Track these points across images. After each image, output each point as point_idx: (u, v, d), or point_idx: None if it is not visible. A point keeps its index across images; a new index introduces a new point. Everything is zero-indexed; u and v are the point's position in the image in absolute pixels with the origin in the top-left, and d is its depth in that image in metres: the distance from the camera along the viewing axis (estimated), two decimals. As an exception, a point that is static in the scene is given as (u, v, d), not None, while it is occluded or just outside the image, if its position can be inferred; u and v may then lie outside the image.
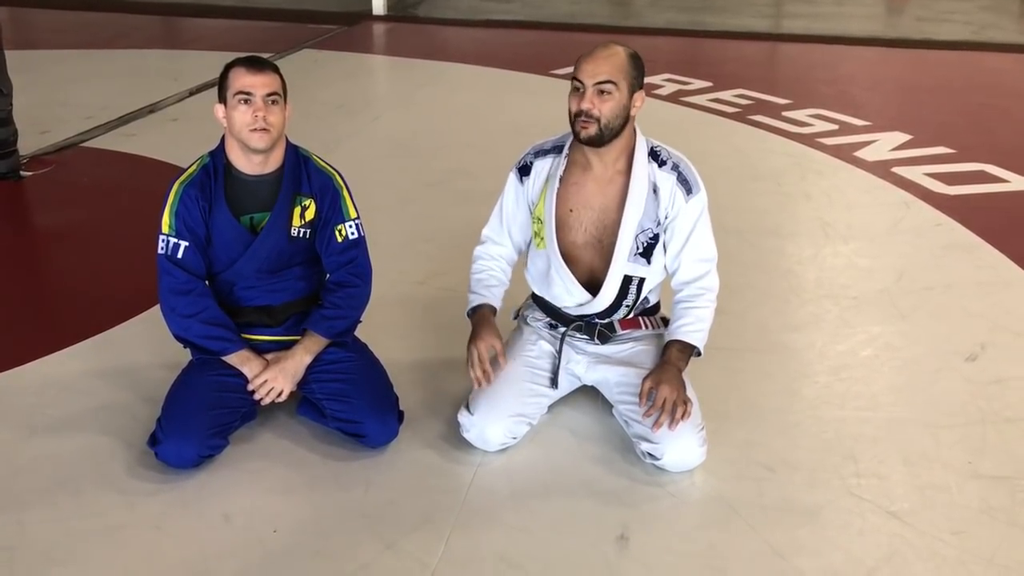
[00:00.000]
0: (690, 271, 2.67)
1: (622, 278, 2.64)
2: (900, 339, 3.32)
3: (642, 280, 2.67)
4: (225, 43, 7.64)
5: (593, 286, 2.67)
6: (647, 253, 2.63)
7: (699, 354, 2.68)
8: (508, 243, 2.81)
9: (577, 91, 2.50)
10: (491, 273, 2.80)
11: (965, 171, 4.98)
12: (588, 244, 2.66)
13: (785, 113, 6.04)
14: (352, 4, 9.54)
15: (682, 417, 2.50)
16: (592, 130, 2.49)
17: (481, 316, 2.72)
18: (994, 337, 3.30)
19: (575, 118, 2.51)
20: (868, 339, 3.31)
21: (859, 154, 5.25)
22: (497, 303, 2.78)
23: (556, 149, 2.69)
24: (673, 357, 2.62)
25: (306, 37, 8.23)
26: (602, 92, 2.47)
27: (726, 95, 6.47)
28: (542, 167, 2.69)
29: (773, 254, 4.02)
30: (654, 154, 2.62)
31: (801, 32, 8.82)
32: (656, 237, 2.63)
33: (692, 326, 2.64)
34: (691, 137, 5.43)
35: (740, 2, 10.42)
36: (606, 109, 2.48)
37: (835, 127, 5.75)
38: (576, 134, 2.54)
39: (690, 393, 2.59)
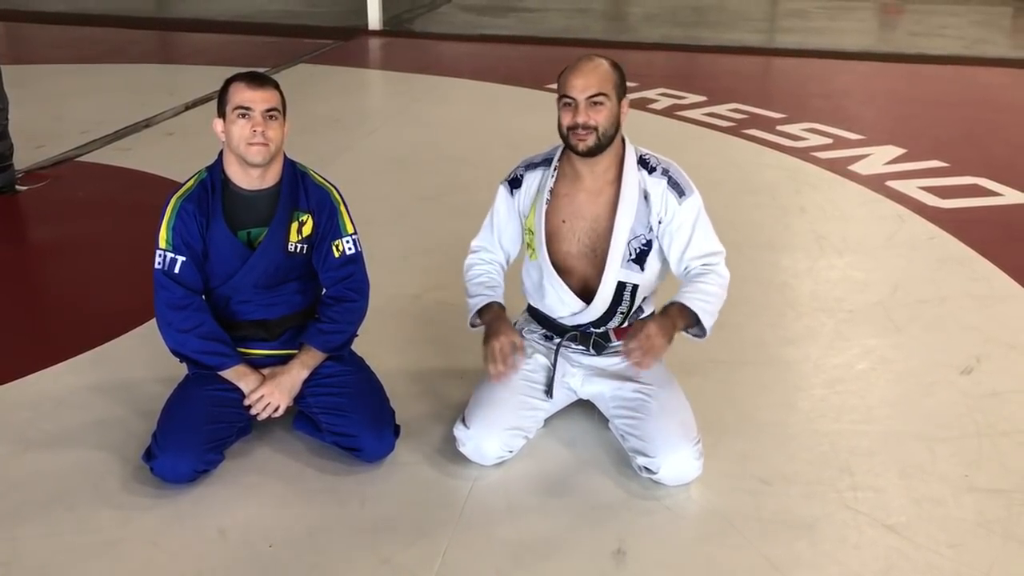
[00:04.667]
0: (699, 265, 2.64)
1: (615, 285, 2.64)
2: (895, 352, 3.33)
3: (635, 287, 2.67)
4: (221, 58, 7.67)
5: (587, 295, 2.68)
6: (640, 260, 2.64)
7: (700, 335, 2.63)
8: (500, 252, 2.82)
9: (568, 106, 2.52)
10: (490, 276, 2.79)
11: (959, 185, 5.00)
12: (582, 254, 2.66)
13: (779, 127, 6.07)
14: (348, 19, 9.58)
15: (645, 361, 2.51)
16: (591, 140, 2.51)
17: (495, 314, 2.70)
18: (989, 350, 3.31)
19: (569, 132, 2.52)
20: (863, 352, 3.31)
21: (853, 168, 5.27)
22: (503, 302, 2.76)
23: (546, 162, 2.71)
24: (672, 312, 2.58)
25: (302, 52, 8.26)
26: (595, 104, 2.49)
27: (721, 109, 6.50)
28: (532, 179, 2.71)
29: (768, 267, 4.03)
30: (643, 161, 2.64)
31: (795, 47, 8.88)
32: (649, 244, 2.64)
33: (695, 295, 2.59)
34: (686, 151, 5.43)
35: (734, 17, 10.49)
36: (601, 119, 2.50)
37: (829, 141, 5.78)
38: (573, 147, 2.55)
39: (684, 404, 2.61)
